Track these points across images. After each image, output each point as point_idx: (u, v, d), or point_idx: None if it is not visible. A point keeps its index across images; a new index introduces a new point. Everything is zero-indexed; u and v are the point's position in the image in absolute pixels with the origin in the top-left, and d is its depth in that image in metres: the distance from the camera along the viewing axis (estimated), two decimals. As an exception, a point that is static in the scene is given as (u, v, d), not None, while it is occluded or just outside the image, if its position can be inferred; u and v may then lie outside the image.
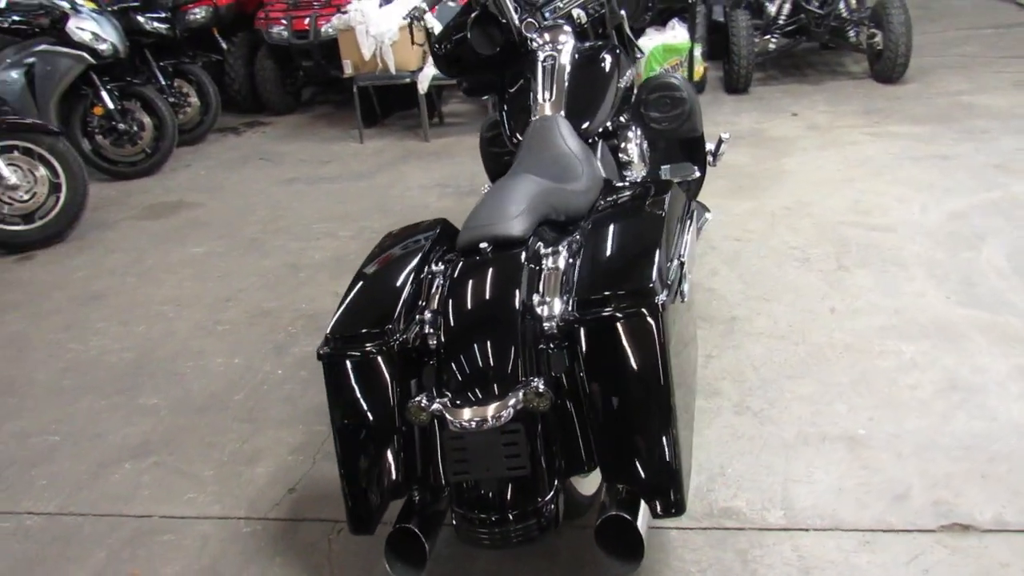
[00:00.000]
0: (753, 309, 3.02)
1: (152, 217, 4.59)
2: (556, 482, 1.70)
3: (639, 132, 2.76)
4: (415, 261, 1.94)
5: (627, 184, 2.16)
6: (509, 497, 1.66)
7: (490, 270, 1.79)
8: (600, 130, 2.60)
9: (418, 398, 1.66)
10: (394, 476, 1.79)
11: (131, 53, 5.52)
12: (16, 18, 5.04)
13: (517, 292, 1.72)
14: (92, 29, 4.91)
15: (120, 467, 2.46)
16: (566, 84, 2.57)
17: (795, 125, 5.15)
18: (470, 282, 1.78)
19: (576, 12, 2.84)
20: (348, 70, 5.47)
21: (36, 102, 4.94)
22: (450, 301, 1.77)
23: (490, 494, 1.68)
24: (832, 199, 3.94)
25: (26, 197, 4.13)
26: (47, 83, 4.92)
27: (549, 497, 1.68)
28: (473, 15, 2.81)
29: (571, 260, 1.81)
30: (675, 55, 4.98)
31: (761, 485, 2.14)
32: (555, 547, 1.96)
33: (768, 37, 5.90)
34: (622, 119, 2.81)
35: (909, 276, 3.14)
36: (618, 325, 1.62)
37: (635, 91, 2.96)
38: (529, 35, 2.75)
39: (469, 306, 1.75)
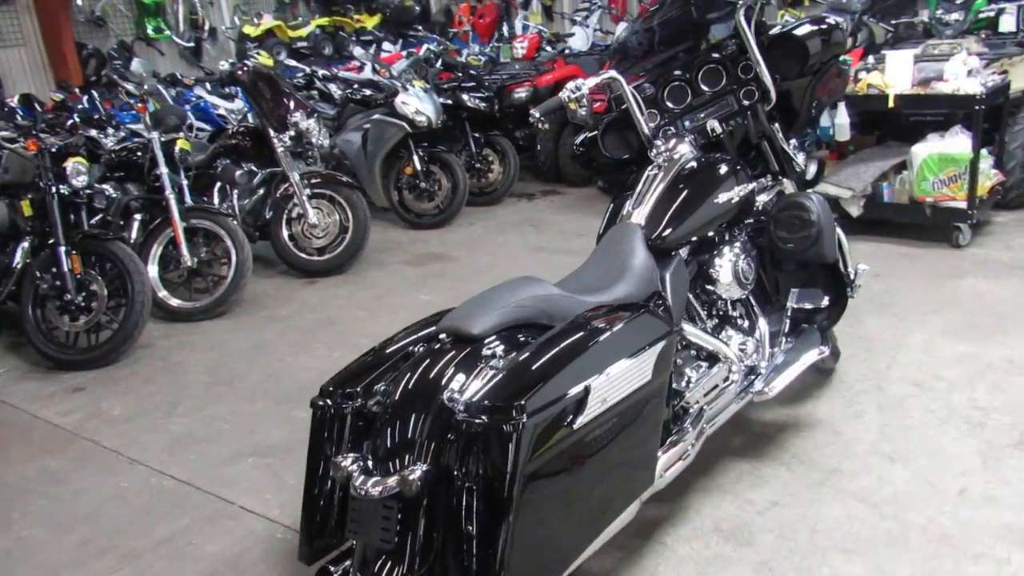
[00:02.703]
0: (867, 465, 2.64)
1: (415, 264, 5.37)
2: (426, 567, 1.81)
3: (739, 251, 2.63)
4: (417, 339, 2.19)
5: (612, 304, 2.13)
6: (376, 567, 1.83)
7: (433, 359, 1.97)
8: (686, 243, 2.55)
9: (341, 457, 1.92)
10: (334, 521, 2.06)
11: (454, 123, 6.50)
12: (366, 92, 6.31)
13: (440, 384, 1.89)
14: (415, 104, 5.93)
15: (245, 460, 3.06)
16: (657, 193, 2.59)
17: (1112, 263, 4.16)
18: (415, 366, 1.98)
19: (711, 124, 2.81)
20: (620, 152, 5.78)
21: (367, 160, 6.11)
22: (398, 380, 1.99)
23: (367, 560, 1.86)
24: (1081, 361, 3.18)
25: (321, 235, 5.16)
26: (376, 145, 6.05)
27: (415, 579, 1.80)
28: (608, 118, 2.95)
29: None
30: (952, 166, 4.36)
31: (716, 652, 1.95)
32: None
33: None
34: (733, 234, 2.71)
35: (1098, 475, 2.46)
36: (480, 434, 1.70)
37: (761, 207, 2.82)
38: (654, 142, 2.80)
39: (404, 387, 1.95)
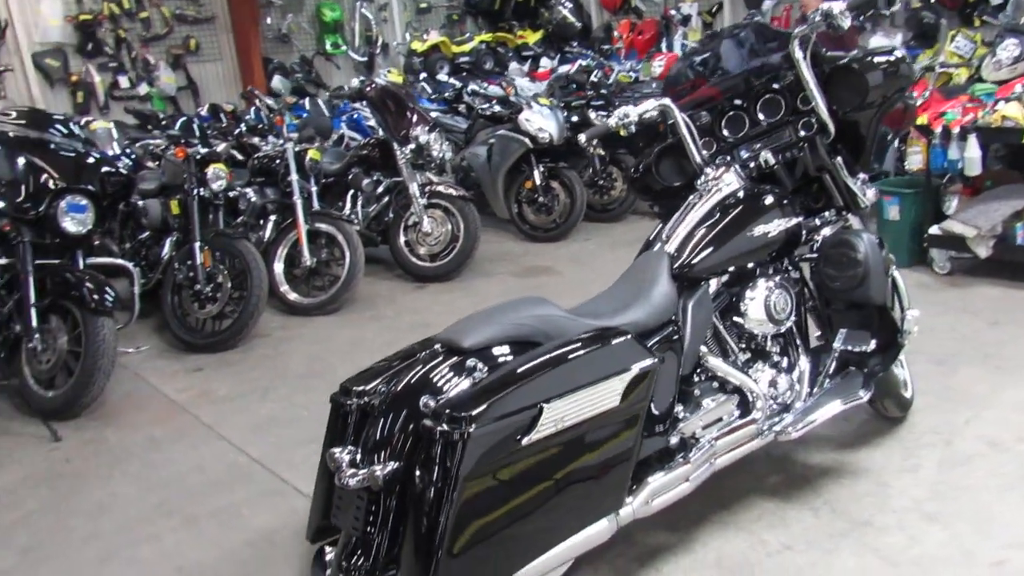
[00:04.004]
0: (902, 523, 2.49)
1: (520, 275, 5.54)
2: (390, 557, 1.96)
3: (773, 286, 2.56)
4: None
5: (602, 328, 2.15)
6: (348, 553, 2.00)
7: (423, 366, 2.12)
8: (719, 273, 2.53)
9: (336, 448, 2.11)
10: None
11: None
12: (496, 108, 6.57)
13: (421, 389, 2.03)
14: (538, 122, 6.10)
15: (311, 445, 3.31)
16: (691, 222, 2.59)
17: None
18: (408, 371, 2.14)
19: (764, 155, 2.76)
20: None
21: (491, 172, 6.36)
22: (393, 383, 2.16)
23: (346, 545, 2.04)
24: None
25: (434, 242, 5.46)
26: (500, 159, 6.28)
27: (381, 568, 1.96)
28: (662, 145, 2.96)
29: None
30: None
31: None
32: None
33: None
34: (778, 267, 2.65)
35: None
36: (434, 439, 1.83)
37: (811, 242, 2.72)
38: (705, 170, 2.78)
39: (395, 390, 2.12)
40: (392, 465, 1.94)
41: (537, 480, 1.89)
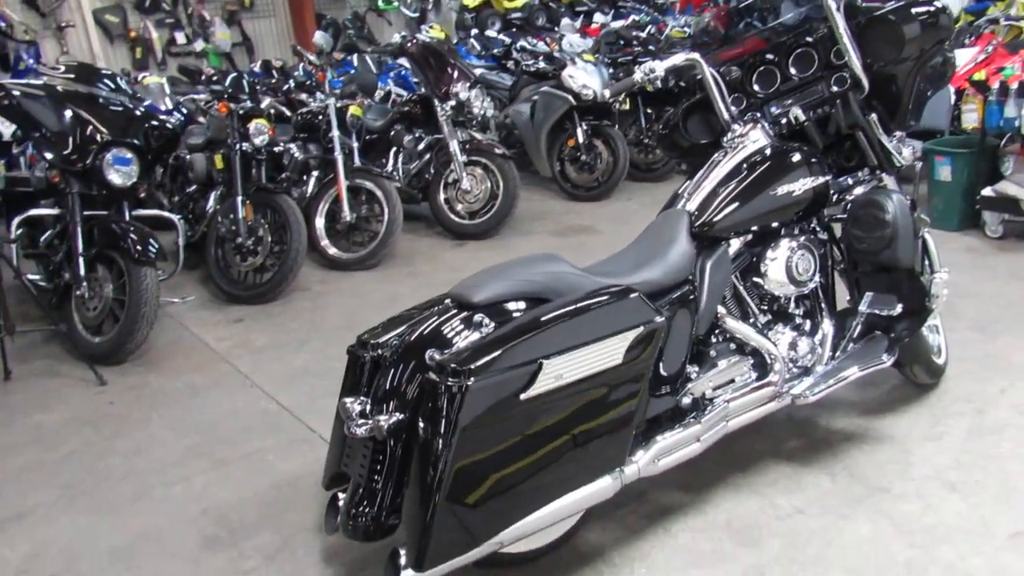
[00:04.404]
0: (921, 491, 2.44)
1: (559, 235, 5.51)
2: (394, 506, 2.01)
3: (796, 246, 2.50)
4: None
5: (610, 286, 2.13)
6: (356, 501, 2.06)
7: (432, 321, 2.15)
8: (741, 232, 2.48)
9: (349, 398, 2.16)
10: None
11: (627, 97, 6.50)
12: (541, 65, 6.48)
13: (429, 343, 2.06)
14: (581, 78, 6.01)
15: (339, 396, 3.43)
16: (713, 180, 2.54)
17: None
18: (420, 325, 2.17)
19: (794, 112, 2.67)
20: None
21: (534, 130, 6.31)
22: (404, 336, 2.19)
23: (354, 492, 2.09)
24: None
25: (473, 200, 5.46)
26: (543, 116, 6.22)
27: (386, 515, 2.01)
28: (689, 101, 2.90)
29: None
30: None
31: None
32: None
33: None
34: (804, 228, 2.58)
35: None
36: (434, 391, 1.86)
37: (840, 203, 2.65)
38: (733, 126, 2.72)
39: (405, 343, 2.15)
40: (397, 416, 1.99)
41: (537, 434, 1.90)
